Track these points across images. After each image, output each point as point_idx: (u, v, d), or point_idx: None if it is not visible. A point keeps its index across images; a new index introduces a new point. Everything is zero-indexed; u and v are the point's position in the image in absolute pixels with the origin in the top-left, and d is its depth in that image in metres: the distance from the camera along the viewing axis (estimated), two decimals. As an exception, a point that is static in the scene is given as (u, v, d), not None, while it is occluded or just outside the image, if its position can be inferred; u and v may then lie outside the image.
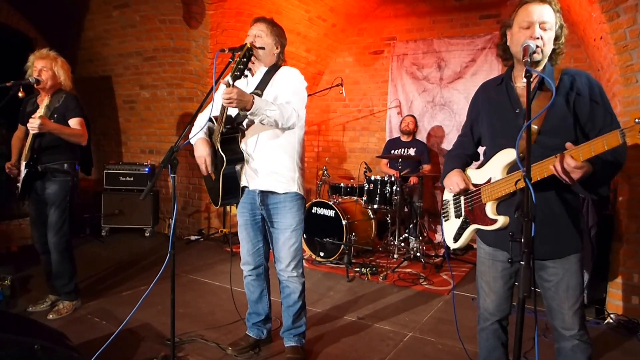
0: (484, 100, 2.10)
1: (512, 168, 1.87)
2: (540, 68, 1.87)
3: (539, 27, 1.80)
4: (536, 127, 1.81)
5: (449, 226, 2.18)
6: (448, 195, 2.22)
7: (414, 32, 6.61)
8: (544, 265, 1.90)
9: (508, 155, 1.86)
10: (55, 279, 3.37)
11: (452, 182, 2.07)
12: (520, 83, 1.93)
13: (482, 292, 2.10)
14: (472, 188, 2.03)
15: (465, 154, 2.22)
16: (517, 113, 1.90)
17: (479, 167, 2.08)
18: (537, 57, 1.80)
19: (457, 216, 2.13)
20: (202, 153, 2.59)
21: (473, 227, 2.04)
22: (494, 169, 1.92)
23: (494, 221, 1.90)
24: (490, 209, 1.93)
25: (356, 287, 4.25)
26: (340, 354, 2.94)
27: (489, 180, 1.94)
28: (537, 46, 1.77)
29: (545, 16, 1.80)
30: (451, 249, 2.22)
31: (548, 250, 1.85)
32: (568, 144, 1.65)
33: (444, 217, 2.24)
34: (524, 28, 1.82)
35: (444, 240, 2.23)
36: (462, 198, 2.10)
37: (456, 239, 2.12)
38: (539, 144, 1.81)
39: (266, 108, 2.35)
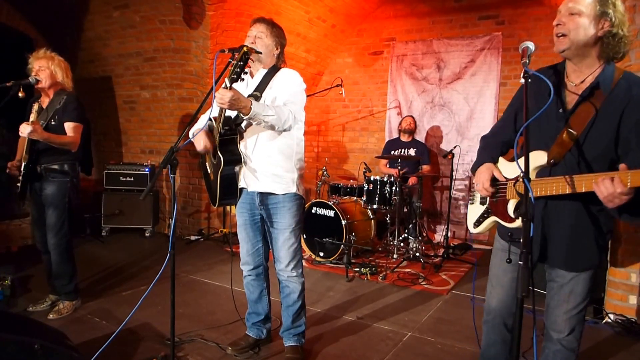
0: (533, 91, 1.87)
1: (540, 172, 1.78)
2: (587, 61, 1.72)
3: (563, 14, 1.70)
4: (575, 132, 1.67)
5: (473, 210, 2.14)
6: None
7: (414, 33, 6.63)
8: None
9: (539, 158, 1.74)
10: (56, 279, 3.38)
11: (479, 180, 1.94)
12: (573, 80, 1.78)
13: (490, 284, 2.08)
14: (496, 184, 1.93)
15: (502, 141, 2.06)
16: (560, 114, 1.77)
17: (513, 159, 1.96)
18: (559, 47, 1.70)
19: (482, 203, 2.07)
20: (202, 140, 2.57)
21: (493, 219, 1.99)
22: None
23: (513, 220, 1.86)
24: (512, 207, 1.87)
25: (356, 287, 4.26)
26: (339, 354, 2.94)
27: (517, 178, 1.85)
28: (559, 34, 1.69)
29: (574, 2, 1.68)
30: (471, 232, 2.16)
31: (563, 261, 1.82)
32: (622, 166, 1.49)
33: (470, 200, 2.18)
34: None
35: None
36: None
37: (476, 225, 2.09)
38: (573, 154, 1.71)
39: (264, 113, 2.35)
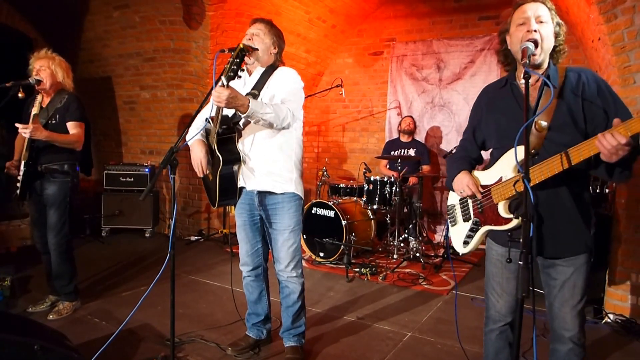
0: (489, 103, 2.07)
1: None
2: (544, 66, 1.87)
3: (535, 21, 1.81)
4: (545, 123, 1.80)
5: (457, 231, 2.13)
6: (454, 200, 2.18)
7: (414, 33, 6.63)
8: (553, 263, 1.88)
9: (521, 151, 1.77)
10: (55, 279, 3.37)
11: (463, 185, 2.01)
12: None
13: (494, 294, 2.05)
14: (480, 190, 1.99)
15: (470, 157, 2.18)
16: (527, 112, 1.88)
17: (485, 168, 2.05)
18: (537, 56, 1.80)
19: (466, 220, 2.08)
20: (197, 155, 2.58)
21: (485, 228, 1.99)
22: (505, 168, 1.89)
23: (509, 220, 1.86)
24: (503, 209, 1.89)
25: (356, 287, 4.26)
26: (339, 354, 2.94)
27: (499, 180, 1.91)
28: (536, 40, 1.77)
29: (540, 11, 1.82)
30: (460, 254, 2.16)
31: (558, 248, 1.84)
32: (616, 120, 1.58)
33: (451, 222, 2.18)
34: (520, 24, 1.84)
35: (447, 246, 2.21)
36: (469, 201, 2.06)
37: (466, 243, 2.07)
38: (550, 140, 1.80)
39: (262, 111, 2.35)
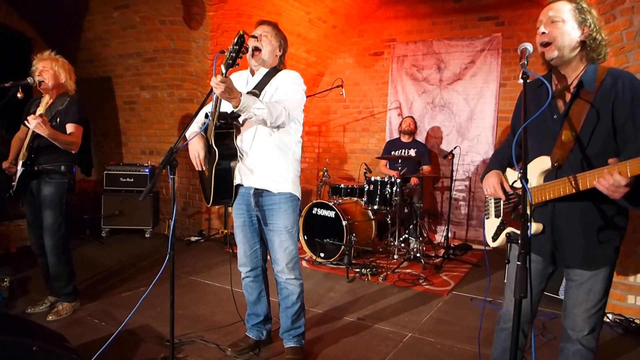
0: (533, 99, 1.98)
1: (547, 176, 1.83)
2: (574, 65, 1.80)
3: (545, 23, 1.79)
4: (573, 133, 1.74)
5: (490, 224, 2.17)
6: None
7: (414, 34, 6.63)
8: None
9: (543, 163, 1.81)
10: (54, 280, 3.36)
11: (489, 184, 2.02)
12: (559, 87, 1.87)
13: (510, 293, 2.05)
14: (505, 192, 1.98)
15: (510, 155, 2.10)
16: (555, 119, 1.84)
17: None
18: (549, 53, 1.76)
19: (497, 216, 2.11)
20: (195, 147, 2.57)
21: (509, 229, 2.01)
22: (531, 176, 1.86)
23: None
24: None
25: (356, 287, 4.26)
26: (340, 355, 2.94)
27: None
28: (547, 42, 1.75)
29: (554, 10, 1.78)
30: (490, 246, 2.17)
31: (580, 261, 1.82)
32: (611, 160, 1.54)
33: (485, 215, 2.23)
34: (538, 29, 1.82)
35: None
36: (501, 199, 2.08)
37: (494, 238, 2.10)
38: (576, 153, 1.75)
39: (254, 106, 2.33)
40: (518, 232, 1.89)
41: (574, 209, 1.79)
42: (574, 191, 1.64)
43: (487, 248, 2.17)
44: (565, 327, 1.92)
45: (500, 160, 2.13)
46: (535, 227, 1.86)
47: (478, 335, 2.79)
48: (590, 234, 1.79)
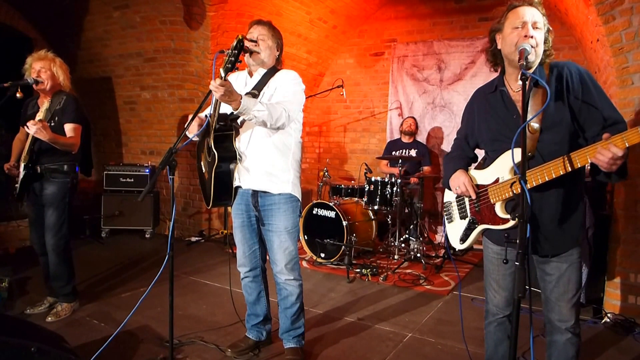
0: (479, 109, 2.14)
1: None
2: (533, 69, 1.88)
3: (532, 27, 1.83)
4: (537, 125, 1.83)
5: (454, 227, 2.19)
6: (450, 197, 2.22)
7: (414, 34, 6.62)
8: (547, 260, 1.94)
9: (517, 153, 1.82)
10: (53, 280, 3.36)
11: (459, 182, 2.06)
12: (514, 87, 1.97)
13: (491, 290, 2.14)
14: (476, 190, 2.03)
15: (467, 156, 2.23)
16: (515, 119, 1.92)
17: (480, 167, 2.09)
18: (531, 58, 1.81)
19: (462, 217, 2.14)
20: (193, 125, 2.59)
21: (482, 227, 2.05)
22: (502, 170, 1.93)
23: (506, 220, 1.91)
24: (500, 209, 1.94)
25: (357, 288, 4.25)
26: (340, 355, 2.93)
27: (496, 181, 1.95)
28: (532, 46, 1.79)
29: (537, 17, 1.84)
30: (457, 249, 2.23)
31: (552, 246, 1.89)
32: (605, 135, 1.61)
33: (447, 219, 2.24)
34: (516, 28, 1.85)
35: (447, 241, 2.24)
36: (466, 199, 2.11)
37: (463, 239, 2.13)
38: (542, 142, 1.84)
39: (254, 108, 2.33)
40: (493, 227, 1.98)
41: (542, 197, 1.86)
42: (568, 170, 1.70)
43: (454, 250, 2.22)
44: (552, 320, 1.98)
45: (458, 162, 2.17)
46: (514, 220, 1.89)
47: (463, 334, 2.78)
48: (562, 221, 1.89)
